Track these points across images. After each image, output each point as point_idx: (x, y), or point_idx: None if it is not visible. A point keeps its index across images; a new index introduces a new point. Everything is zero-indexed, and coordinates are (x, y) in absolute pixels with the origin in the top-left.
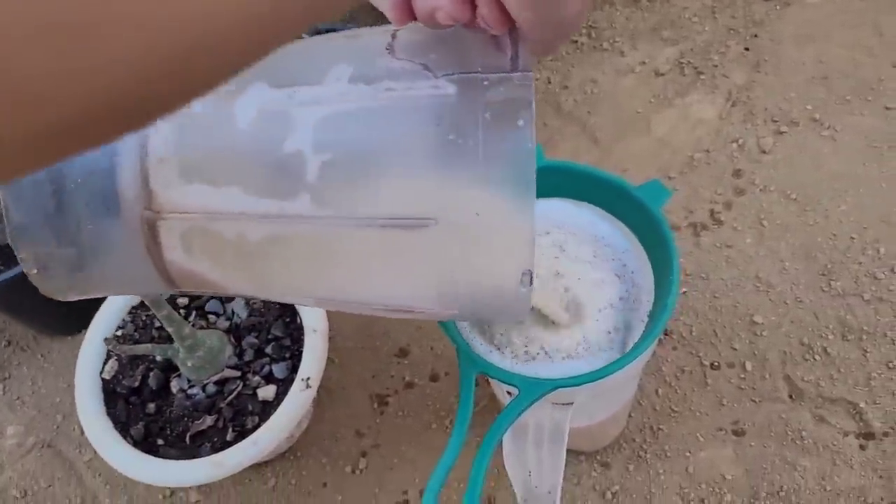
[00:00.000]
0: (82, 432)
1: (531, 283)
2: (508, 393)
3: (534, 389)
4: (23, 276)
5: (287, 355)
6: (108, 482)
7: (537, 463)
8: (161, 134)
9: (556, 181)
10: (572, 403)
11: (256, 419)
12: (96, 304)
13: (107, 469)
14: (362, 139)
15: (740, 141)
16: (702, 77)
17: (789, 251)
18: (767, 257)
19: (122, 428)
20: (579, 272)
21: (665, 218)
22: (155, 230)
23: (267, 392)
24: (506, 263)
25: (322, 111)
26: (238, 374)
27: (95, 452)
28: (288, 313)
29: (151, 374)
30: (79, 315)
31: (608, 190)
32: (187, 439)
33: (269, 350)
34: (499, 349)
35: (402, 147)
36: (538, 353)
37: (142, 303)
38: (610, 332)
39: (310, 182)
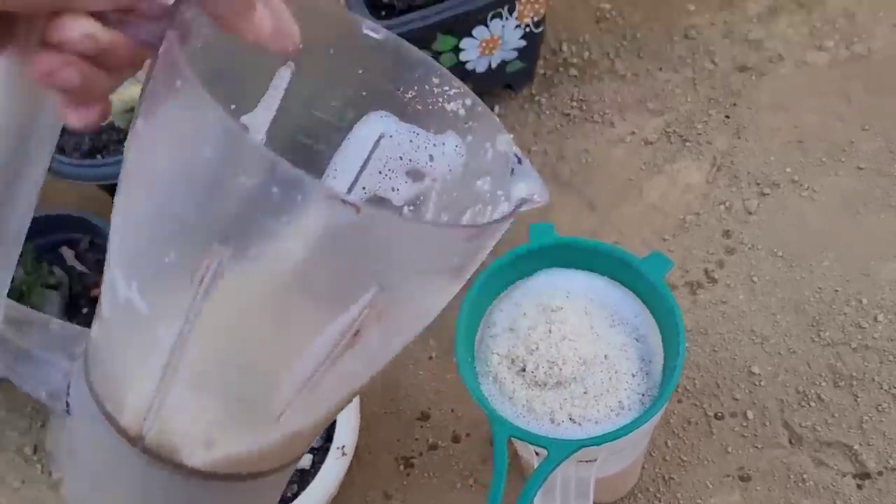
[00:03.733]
0: None
1: None
2: (536, 453)
3: (562, 449)
4: None
5: None
6: None
7: None
8: None
9: (569, 255)
10: (596, 460)
11: (295, 487)
12: None
13: None
14: None
15: (727, 203)
16: (687, 144)
17: (780, 305)
18: (760, 311)
19: None
20: (609, 338)
21: (668, 287)
22: None
23: (303, 461)
24: None
25: None
26: None
27: None
28: None
29: None
30: None
31: (615, 262)
32: None
33: None
34: (524, 417)
35: None
36: (563, 421)
37: None
38: (644, 395)
39: None
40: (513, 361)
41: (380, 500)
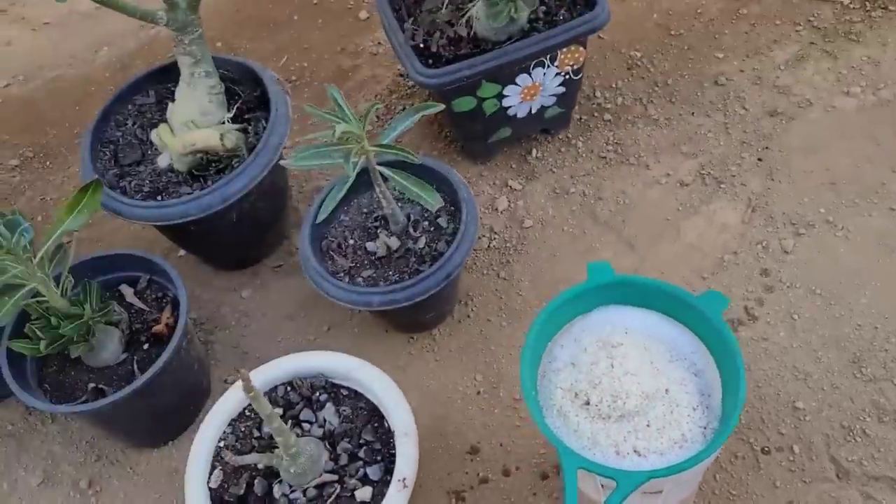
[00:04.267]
0: None
1: None
2: (602, 485)
3: (631, 480)
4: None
5: (379, 458)
6: None
7: None
8: None
9: (625, 292)
10: (661, 492)
11: None
12: (184, 417)
13: None
14: None
15: (764, 243)
16: (722, 186)
17: (821, 342)
18: (801, 348)
19: None
20: (668, 373)
21: (726, 323)
22: None
23: (364, 493)
24: None
25: None
26: (335, 477)
27: None
28: (376, 419)
29: (256, 481)
30: (166, 428)
31: (672, 299)
32: None
33: (361, 454)
34: (590, 449)
35: None
36: (628, 454)
37: (241, 414)
38: (706, 427)
39: None
40: (576, 395)
41: None
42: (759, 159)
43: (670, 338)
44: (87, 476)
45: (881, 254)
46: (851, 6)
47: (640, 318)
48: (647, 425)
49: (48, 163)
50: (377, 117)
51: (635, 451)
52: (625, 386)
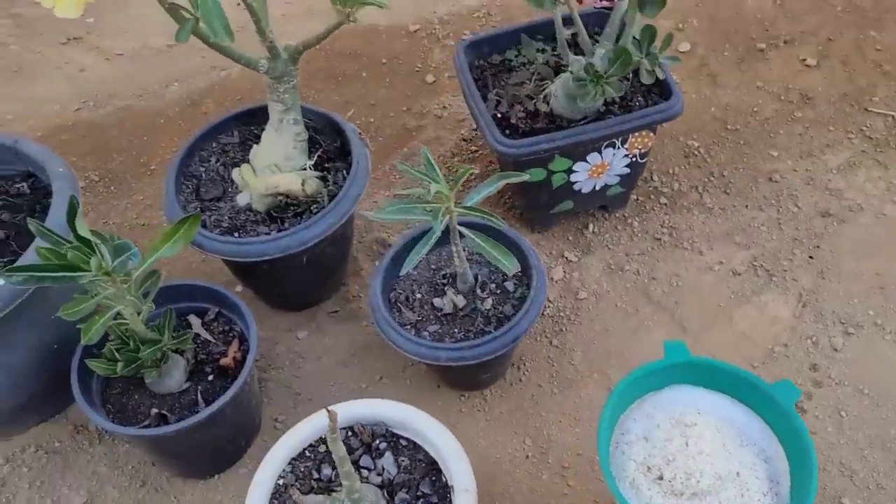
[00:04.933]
0: None
1: None
2: None
3: None
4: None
5: None
6: None
7: None
8: None
9: (699, 373)
10: None
11: None
12: (234, 452)
13: None
14: None
15: (814, 338)
16: (774, 279)
17: (867, 441)
18: (848, 445)
19: None
20: (740, 456)
21: (798, 414)
22: None
23: None
24: None
25: None
26: None
27: None
28: (433, 472)
29: None
30: (215, 462)
31: (745, 385)
32: None
33: None
34: None
35: None
36: None
37: (300, 454)
38: None
39: None
40: (649, 469)
41: None
42: (811, 257)
43: (741, 422)
44: (131, 501)
45: None
46: None
47: (711, 400)
48: None
49: (112, 188)
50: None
51: None
52: (699, 465)
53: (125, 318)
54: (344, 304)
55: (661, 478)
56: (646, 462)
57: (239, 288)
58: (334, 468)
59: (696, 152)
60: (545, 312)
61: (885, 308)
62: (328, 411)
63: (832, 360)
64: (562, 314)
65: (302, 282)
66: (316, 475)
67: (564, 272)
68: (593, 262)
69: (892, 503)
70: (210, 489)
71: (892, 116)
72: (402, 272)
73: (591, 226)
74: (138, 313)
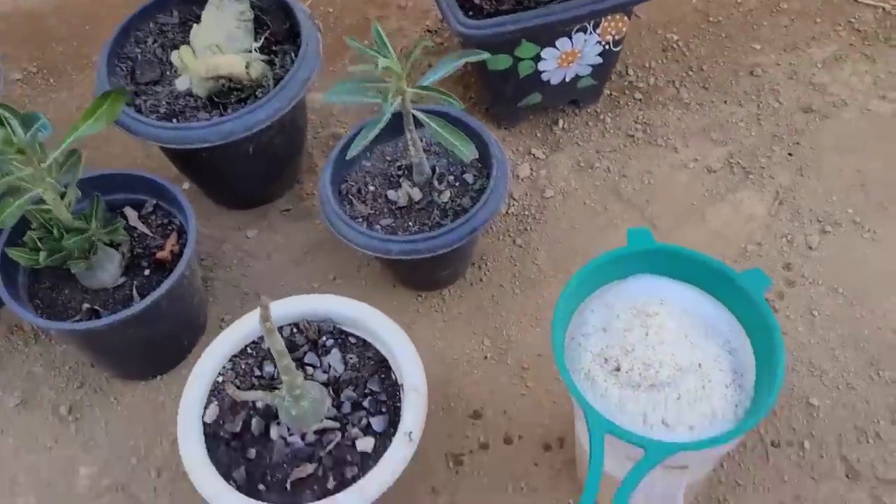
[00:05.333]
0: (158, 475)
1: None
2: (628, 457)
3: (661, 451)
4: (114, 324)
5: (383, 410)
6: None
7: None
8: None
9: (663, 262)
10: (686, 467)
11: (356, 469)
12: (176, 352)
13: None
14: None
15: (789, 237)
16: (750, 176)
17: (839, 341)
18: (819, 345)
19: (225, 472)
20: (703, 348)
21: (767, 303)
22: None
23: (366, 444)
24: None
25: None
26: (337, 425)
27: (171, 497)
28: (383, 370)
29: (253, 420)
30: (157, 362)
31: (712, 274)
32: (288, 485)
33: (366, 404)
34: (616, 416)
35: None
36: (655, 424)
37: (242, 351)
38: (737, 406)
39: None
40: (606, 360)
41: (427, 496)
42: (790, 154)
43: (707, 313)
44: (67, 402)
45: None
46: (893, 12)
47: (676, 289)
48: (678, 398)
49: (52, 80)
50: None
51: (664, 423)
52: (658, 356)
53: (48, 205)
54: (297, 202)
55: (618, 369)
56: (603, 353)
57: (186, 185)
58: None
59: (674, 45)
60: (509, 211)
61: (864, 206)
62: (260, 298)
63: (807, 258)
64: (527, 213)
65: (250, 176)
66: (258, 372)
67: (531, 169)
68: (562, 159)
69: (862, 403)
70: (152, 390)
71: (883, 8)
72: (349, 155)
73: (560, 122)
74: (62, 198)
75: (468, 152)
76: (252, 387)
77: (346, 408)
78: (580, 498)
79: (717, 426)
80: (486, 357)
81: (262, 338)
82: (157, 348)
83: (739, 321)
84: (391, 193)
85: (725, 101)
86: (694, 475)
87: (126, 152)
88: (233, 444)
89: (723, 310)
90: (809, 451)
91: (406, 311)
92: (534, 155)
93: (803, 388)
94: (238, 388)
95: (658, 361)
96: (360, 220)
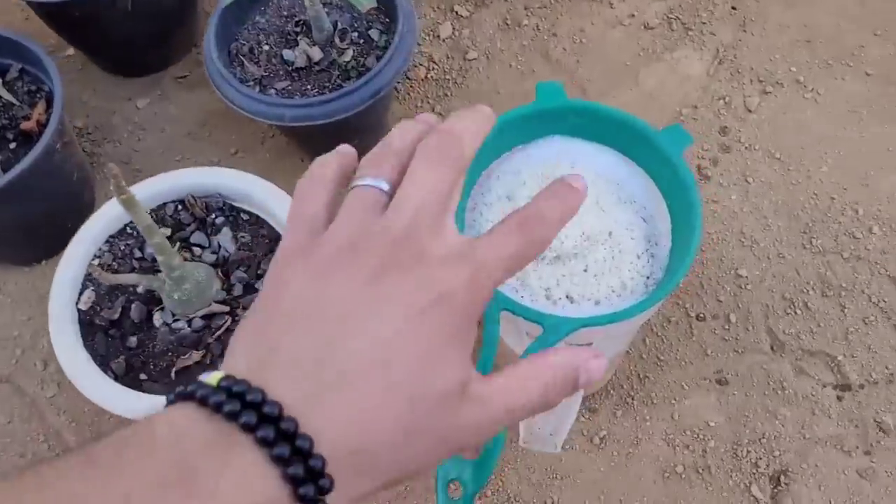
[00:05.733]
0: (44, 367)
1: None
2: (527, 333)
3: (560, 327)
4: None
5: None
6: (73, 419)
7: None
8: None
9: (577, 121)
10: (591, 344)
11: None
12: (60, 234)
13: (72, 406)
14: None
15: (727, 99)
16: (690, 33)
17: (773, 209)
18: (752, 214)
19: (102, 361)
20: (615, 215)
21: (686, 163)
22: None
23: None
24: None
25: None
26: (227, 309)
27: (59, 388)
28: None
29: (133, 306)
30: (39, 246)
31: (629, 132)
32: (172, 374)
33: (258, 286)
34: (517, 291)
35: None
36: (560, 299)
37: (121, 231)
38: (649, 277)
39: None
40: None
41: None
42: (734, 7)
43: (621, 177)
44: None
45: (849, 121)
46: None
47: (590, 151)
48: (585, 270)
49: None
50: None
51: (568, 297)
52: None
53: None
54: (194, 68)
55: None
56: None
57: (70, 51)
58: None
59: None
60: (428, 75)
61: (809, 63)
62: (110, 167)
63: (744, 122)
64: (448, 77)
65: (135, 36)
66: (139, 254)
67: (453, 28)
68: (487, 16)
69: (792, 273)
70: (36, 277)
71: None
72: (224, 3)
73: None
74: None
75: (365, 0)
76: (132, 269)
77: (238, 290)
78: None
79: (626, 300)
80: None
81: None
82: (36, 230)
83: (658, 185)
84: (287, 53)
85: None
86: (607, 353)
87: (4, 14)
88: (111, 333)
89: (639, 173)
90: (735, 324)
91: None
92: (456, 13)
93: (732, 259)
94: (116, 272)
95: (563, 231)
96: (252, 83)
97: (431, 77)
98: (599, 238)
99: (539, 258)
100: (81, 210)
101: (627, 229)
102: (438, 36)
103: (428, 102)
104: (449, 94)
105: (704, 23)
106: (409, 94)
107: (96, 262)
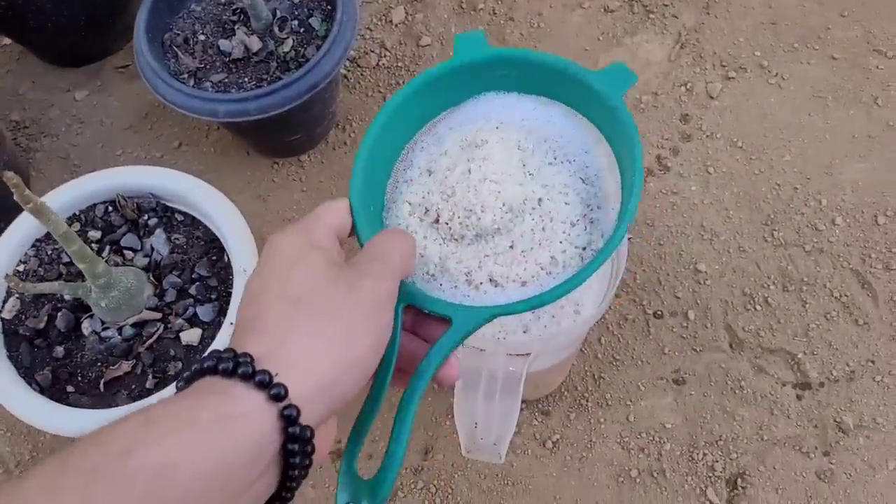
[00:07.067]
0: None
1: None
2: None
3: (469, 318)
4: None
5: (213, 296)
6: (8, 430)
7: (486, 414)
8: None
9: (507, 74)
10: (529, 354)
11: (180, 365)
12: None
13: (7, 417)
14: None
15: (688, 85)
16: (651, 16)
17: (734, 200)
18: (712, 205)
19: (27, 373)
20: (546, 179)
21: (625, 104)
22: None
23: (191, 336)
24: None
25: None
26: (159, 316)
27: None
28: (214, 251)
29: (59, 314)
30: None
31: (562, 78)
32: (101, 386)
33: (193, 291)
34: (436, 279)
35: None
36: (482, 283)
37: (47, 234)
38: (585, 249)
39: None
40: (426, 211)
41: None
42: None
43: (558, 134)
44: None
45: (814, 108)
46: None
47: (524, 108)
48: (511, 247)
49: None
50: None
51: (491, 281)
52: (480, 197)
53: None
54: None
55: (437, 220)
56: (423, 202)
57: (6, 41)
58: (94, 249)
59: None
60: (380, 63)
61: (773, 47)
62: (9, 176)
63: (706, 109)
64: (400, 65)
65: (70, 24)
66: (67, 259)
67: (406, 13)
68: (441, 1)
69: (753, 267)
70: None
71: None
72: None
73: None
74: None
75: None
76: (59, 275)
77: (171, 296)
78: (371, 385)
79: (556, 278)
80: None
81: (72, 217)
82: None
83: (606, 138)
84: (224, 43)
85: None
86: (550, 358)
87: None
88: (37, 343)
89: (583, 127)
90: (693, 321)
91: (261, 181)
92: None
93: (692, 253)
94: (42, 279)
95: (480, 204)
96: (187, 75)
97: (383, 64)
98: (524, 209)
99: (459, 238)
100: (10, 210)
101: (562, 194)
102: (391, 21)
103: (379, 91)
104: (401, 82)
105: (667, 5)
106: (359, 82)
107: (22, 267)
